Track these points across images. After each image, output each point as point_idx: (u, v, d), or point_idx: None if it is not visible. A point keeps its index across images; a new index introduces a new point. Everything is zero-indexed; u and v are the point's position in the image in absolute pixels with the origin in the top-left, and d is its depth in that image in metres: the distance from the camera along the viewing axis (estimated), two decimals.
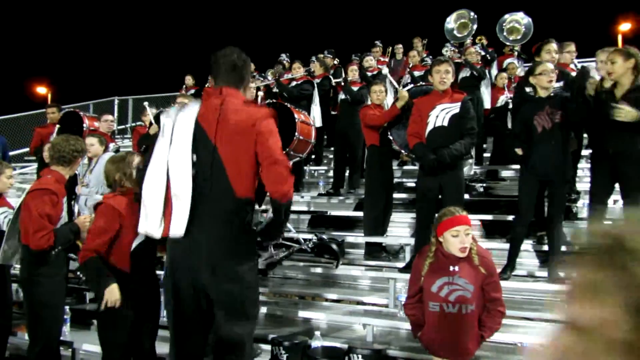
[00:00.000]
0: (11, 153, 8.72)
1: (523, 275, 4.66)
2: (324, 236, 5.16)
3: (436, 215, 2.99)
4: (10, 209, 3.95)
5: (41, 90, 22.37)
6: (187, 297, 2.49)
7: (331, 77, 8.23)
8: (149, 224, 2.52)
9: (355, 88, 7.20)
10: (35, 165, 7.81)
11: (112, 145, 6.18)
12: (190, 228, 2.44)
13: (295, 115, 5.54)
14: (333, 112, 8.03)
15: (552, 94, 4.36)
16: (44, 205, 3.35)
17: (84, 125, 6.87)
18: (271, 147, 2.50)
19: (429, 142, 4.45)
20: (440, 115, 4.45)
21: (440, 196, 4.46)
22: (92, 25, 26.46)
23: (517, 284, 4.38)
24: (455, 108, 4.44)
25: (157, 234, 2.53)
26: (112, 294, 2.86)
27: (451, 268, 2.85)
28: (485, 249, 2.99)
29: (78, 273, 4.61)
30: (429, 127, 4.47)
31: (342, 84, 7.51)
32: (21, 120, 11.12)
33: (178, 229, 2.45)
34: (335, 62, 9.63)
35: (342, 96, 7.40)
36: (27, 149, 8.83)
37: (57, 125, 6.95)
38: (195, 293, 2.48)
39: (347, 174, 7.21)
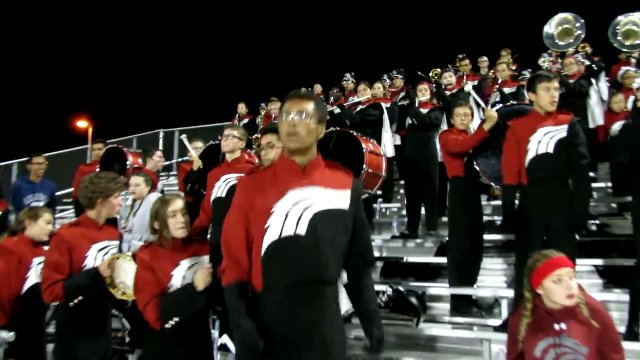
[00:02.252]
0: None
1: None
2: (401, 288, 5.08)
3: (528, 263, 2.87)
4: None
5: (82, 124, 23.81)
6: None
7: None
8: None
9: (424, 110, 7.20)
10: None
11: (159, 185, 6.43)
12: None
13: (363, 145, 5.57)
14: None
15: None
16: (51, 253, 3.49)
17: (128, 162, 7.20)
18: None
19: (531, 173, 4.36)
20: (544, 140, 4.35)
21: (545, 237, 4.33)
22: (133, 54, 28.09)
23: None
24: (562, 131, 4.33)
25: None
26: None
27: (556, 326, 2.72)
28: (595, 299, 2.84)
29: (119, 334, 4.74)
30: (530, 155, 4.37)
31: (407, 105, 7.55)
32: (61, 158, 11.81)
33: None
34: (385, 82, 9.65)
35: (409, 120, 7.41)
36: (71, 189, 9.29)
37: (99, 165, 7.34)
38: None
39: (423, 211, 7.15)
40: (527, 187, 4.40)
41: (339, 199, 2.47)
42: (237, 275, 2.44)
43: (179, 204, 3.26)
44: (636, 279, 4.27)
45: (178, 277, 3.17)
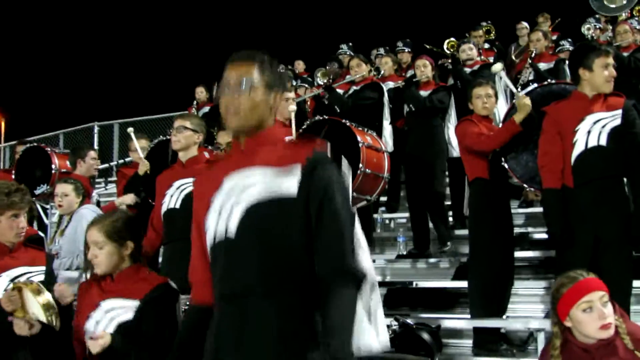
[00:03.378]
0: None
1: None
2: (409, 320, 5.12)
3: (552, 290, 2.97)
4: None
5: None
6: None
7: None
8: None
9: (425, 93, 7.30)
10: None
11: (94, 195, 6.42)
12: None
13: (359, 138, 5.63)
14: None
15: None
16: None
17: (53, 166, 7.20)
18: None
19: (580, 172, 4.45)
20: (594, 130, 4.45)
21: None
22: (53, 28, 27.65)
23: None
24: (616, 118, 4.44)
25: None
26: None
27: None
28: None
29: None
30: (577, 150, 4.47)
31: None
32: None
33: None
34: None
35: (407, 107, 7.54)
36: None
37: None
38: None
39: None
40: (573, 190, 4.49)
41: (283, 181, 2.32)
42: (194, 295, 2.57)
43: (93, 235, 3.26)
44: None
45: (91, 322, 3.24)
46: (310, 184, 2.30)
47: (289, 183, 2.30)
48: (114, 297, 3.23)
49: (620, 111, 4.44)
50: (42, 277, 3.74)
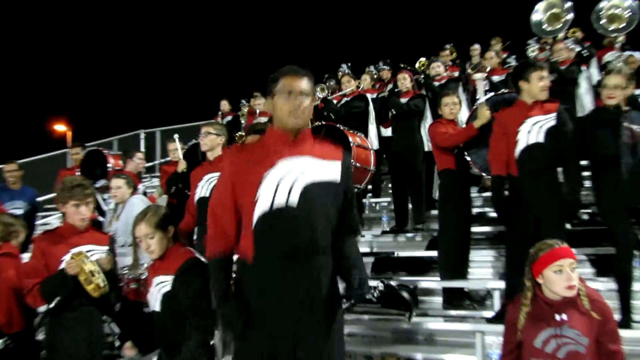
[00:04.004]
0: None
1: None
2: (392, 282, 5.16)
3: (530, 251, 2.97)
4: None
5: (59, 127, 23.65)
6: None
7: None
8: None
9: (405, 100, 7.29)
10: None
11: (140, 187, 6.48)
12: None
13: (350, 139, 5.67)
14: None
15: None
16: (27, 261, 3.76)
17: (109, 165, 7.28)
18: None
19: (522, 164, 4.48)
20: (534, 130, 4.47)
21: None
22: (110, 54, 27.86)
23: (636, 333, 4.21)
24: (550, 120, 4.47)
25: None
26: None
27: (557, 317, 2.80)
28: (595, 291, 2.94)
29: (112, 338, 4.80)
30: (520, 146, 4.50)
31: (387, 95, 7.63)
32: (41, 163, 11.78)
33: None
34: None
35: (391, 112, 7.51)
36: (50, 195, 9.37)
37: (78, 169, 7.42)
38: None
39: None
40: (517, 178, 4.52)
41: (330, 170, 2.56)
42: (221, 246, 2.60)
43: (142, 229, 3.28)
44: (617, 266, 4.42)
45: (150, 295, 3.33)
46: (347, 176, 2.65)
47: (335, 172, 2.59)
48: (160, 274, 3.27)
49: (554, 114, 4.48)
50: (104, 255, 3.85)
